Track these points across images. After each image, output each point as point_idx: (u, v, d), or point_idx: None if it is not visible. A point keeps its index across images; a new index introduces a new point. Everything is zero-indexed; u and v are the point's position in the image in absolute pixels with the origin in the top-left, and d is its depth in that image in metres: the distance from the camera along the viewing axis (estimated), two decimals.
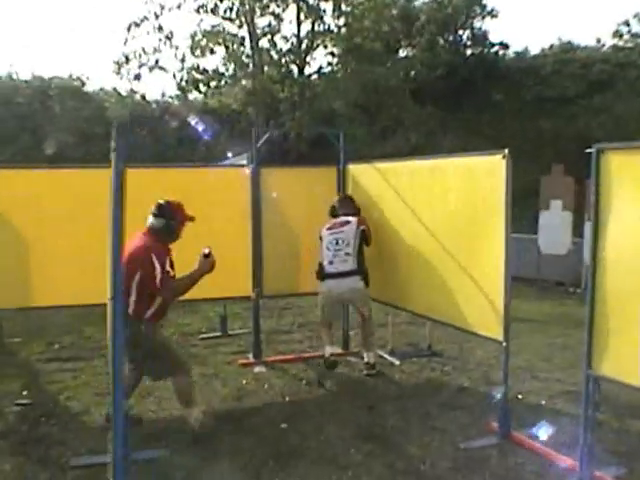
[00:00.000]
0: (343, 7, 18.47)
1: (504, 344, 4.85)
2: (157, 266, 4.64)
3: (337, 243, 6.41)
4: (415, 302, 6.12)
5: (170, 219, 4.86)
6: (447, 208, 5.50)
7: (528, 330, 8.10)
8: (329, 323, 6.74)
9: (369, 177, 6.74)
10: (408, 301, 6.25)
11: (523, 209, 15.56)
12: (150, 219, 4.88)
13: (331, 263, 6.42)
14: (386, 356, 7.10)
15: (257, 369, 6.77)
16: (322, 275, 6.48)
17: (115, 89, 19.38)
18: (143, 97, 19.89)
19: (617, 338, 3.95)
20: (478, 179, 5.07)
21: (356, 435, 5.02)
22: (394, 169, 6.39)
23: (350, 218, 6.50)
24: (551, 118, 19.31)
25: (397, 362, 6.91)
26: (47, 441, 4.94)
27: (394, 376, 6.53)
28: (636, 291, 3.77)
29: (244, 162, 7.53)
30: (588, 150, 4.08)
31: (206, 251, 4.91)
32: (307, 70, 19.30)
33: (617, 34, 22.63)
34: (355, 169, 7.01)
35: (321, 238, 6.55)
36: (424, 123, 18.56)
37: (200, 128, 15.39)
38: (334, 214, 6.65)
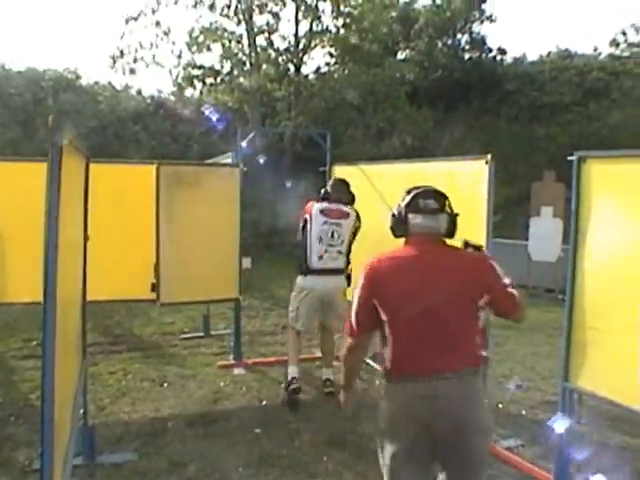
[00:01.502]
0: (342, 8, 18.37)
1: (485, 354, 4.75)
2: None
3: (332, 236, 5.75)
4: None
5: None
6: None
7: (514, 337, 8.01)
8: (298, 331, 6.06)
9: (354, 179, 6.64)
10: None
11: (516, 215, 15.55)
12: None
13: (320, 258, 5.74)
14: (369, 361, 6.99)
15: (236, 371, 6.66)
16: (306, 270, 5.81)
17: (110, 83, 19.28)
18: (139, 92, 19.81)
19: (594, 350, 3.87)
20: (461, 184, 4.98)
21: (330, 442, 4.93)
22: (378, 171, 6.32)
23: (348, 210, 5.86)
24: (546, 125, 19.25)
25: (379, 367, 6.79)
26: (13, 442, 4.83)
27: (374, 381, 6.43)
28: (614, 302, 3.70)
29: (229, 160, 7.42)
30: (570, 158, 4.00)
31: None
32: (304, 70, 19.23)
33: (614, 43, 22.59)
34: (340, 170, 6.92)
35: (306, 221, 5.86)
36: (419, 125, 18.47)
37: (214, 118, 15.29)
38: (326, 198, 5.94)
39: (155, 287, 6.19)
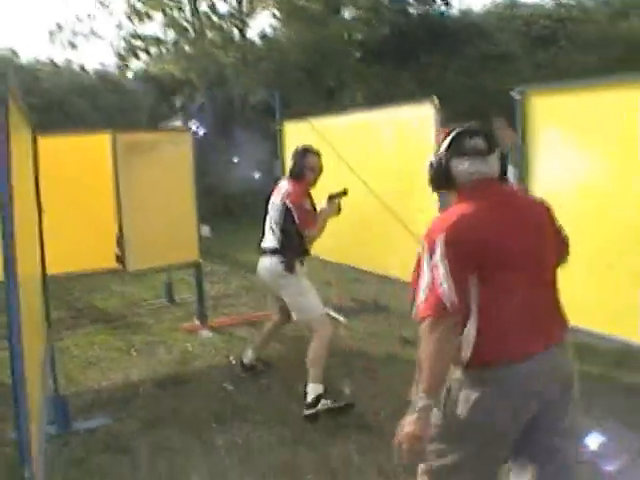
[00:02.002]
0: None
1: None
2: None
3: (268, 214, 5.14)
4: (355, 257, 6.11)
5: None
6: (381, 161, 5.48)
7: None
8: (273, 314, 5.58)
9: (305, 134, 6.67)
10: (348, 256, 6.23)
11: None
12: None
13: (264, 237, 5.17)
14: (332, 313, 7.09)
15: (203, 333, 6.71)
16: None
17: (51, 60, 18.83)
18: (82, 67, 19.39)
19: None
20: (408, 129, 5.04)
21: (298, 392, 4.96)
22: (328, 124, 6.34)
23: (283, 184, 5.13)
24: (495, 75, 19.39)
25: (343, 319, 6.91)
26: None
27: (340, 333, 6.52)
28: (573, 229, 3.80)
29: (178, 123, 7.38)
30: (512, 93, 4.08)
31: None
32: (250, 34, 19.04)
33: None
34: (291, 127, 6.93)
35: None
36: (369, 83, 18.48)
37: (200, 132, 15.22)
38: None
39: (120, 258, 6.17)
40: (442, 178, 2.53)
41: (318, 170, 5.11)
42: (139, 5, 17.40)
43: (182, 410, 4.80)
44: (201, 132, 14.35)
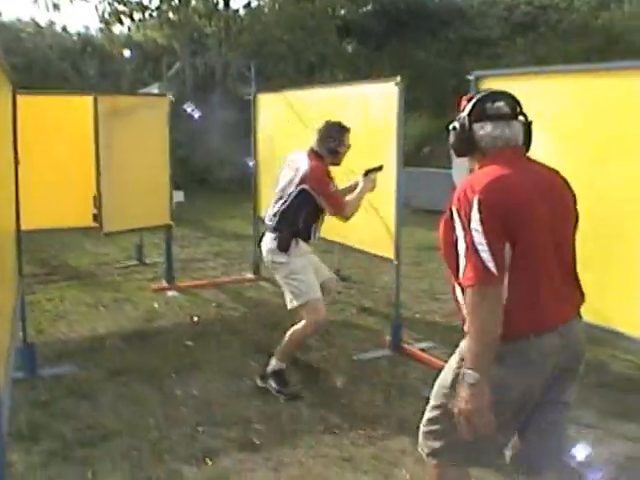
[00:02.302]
0: None
1: (395, 262, 5.16)
2: None
3: (277, 193, 4.70)
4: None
5: None
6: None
7: (435, 258, 8.47)
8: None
9: (277, 105, 6.90)
10: None
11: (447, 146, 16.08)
12: None
13: (267, 214, 4.80)
14: None
15: (170, 293, 6.97)
16: None
17: (33, 19, 18.79)
18: (64, 29, 19.37)
19: None
20: (373, 106, 5.28)
21: (256, 350, 5.29)
22: (299, 97, 6.55)
23: (303, 163, 4.55)
24: (475, 58, 19.60)
25: None
26: None
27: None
28: None
29: (156, 90, 7.58)
30: (468, 77, 4.33)
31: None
32: (234, 4, 19.09)
33: None
34: (264, 98, 7.15)
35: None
36: (349, 60, 18.65)
37: (195, 115, 15.25)
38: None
39: (97, 217, 6.31)
40: (464, 143, 2.48)
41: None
42: None
43: (144, 362, 5.07)
44: (196, 115, 14.48)
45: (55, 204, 6.06)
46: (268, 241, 4.65)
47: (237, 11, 19.11)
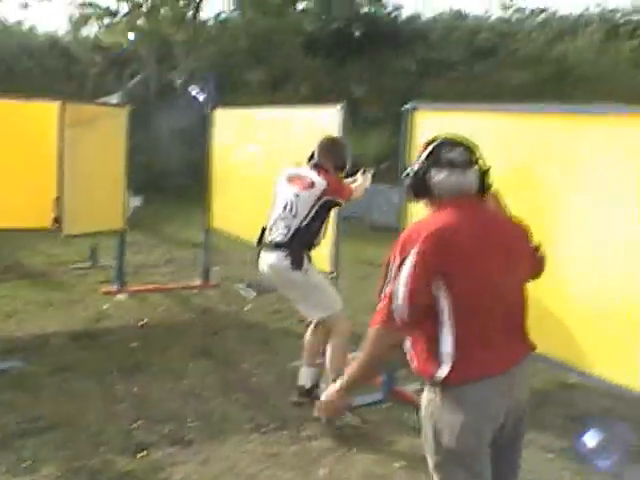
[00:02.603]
0: None
1: (333, 275, 5.46)
2: None
3: (285, 208, 4.63)
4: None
5: None
6: (291, 153, 5.99)
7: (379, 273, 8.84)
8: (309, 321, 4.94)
9: (233, 121, 7.22)
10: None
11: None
12: None
13: (270, 230, 4.68)
14: (243, 289, 7.67)
15: (119, 296, 7.21)
16: (259, 243, 4.80)
17: (1, 18, 18.89)
18: (32, 28, 19.46)
19: None
20: (317, 128, 5.61)
21: (198, 354, 5.58)
22: (250, 116, 6.89)
23: (318, 179, 4.60)
24: (434, 80, 20.18)
25: (252, 295, 7.48)
26: None
27: (246, 307, 7.12)
28: None
29: (114, 101, 7.84)
30: (404, 107, 4.69)
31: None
32: (204, 15, 19.39)
33: (503, 6, 23.73)
34: (221, 113, 7.47)
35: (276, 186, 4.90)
36: (313, 75, 19.05)
37: (200, 97, 15.30)
38: (310, 161, 4.80)
39: (57, 220, 6.44)
40: (420, 187, 2.53)
41: None
42: None
43: (88, 360, 5.33)
44: (201, 97, 14.64)
45: (14, 205, 6.22)
46: (277, 259, 4.55)
47: (206, 22, 19.45)
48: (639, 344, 3.20)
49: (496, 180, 3.98)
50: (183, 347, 5.77)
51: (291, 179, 4.75)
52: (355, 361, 2.51)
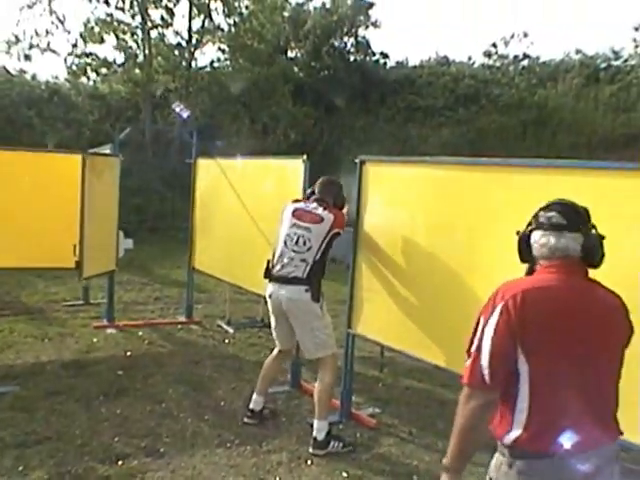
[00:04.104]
0: (232, 7, 19.53)
1: None
2: None
3: (297, 242, 5.01)
4: (237, 277, 7.30)
5: None
6: (263, 199, 6.69)
7: None
8: (282, 350, 5.43)
9: (212, 170, 7.94)
10: (233, 276, 7.43)
11: None
12: None
13: (281, 264, 5.04)
14: (223, 325, 8.33)
15: (109, 331, 7.84)
16: (267, 275, 5.18)
17: (4, 67, 19.75)
18: (33, 77, 20.35)
19: (368, 305, 5.32)
20: (285, 177, 6.31)
21: (177, 381, 6.20)
22: (229, 165, 7.60)
23: (324, 213, 5.07)
24: (419, 126, 21.06)
25: (231, 330, 8.12)
26: None
27: (224, 340, 7.75)
28: (383, 268, 5.12)
29: (107, 151, 8.56)
30: (355, 160, 5.38)
31: None
32: (197, 64, 20.28)
33: (487, 54, 24.73)
34: (203, 163, 8.21)
35: (280, 222, 5.25)
36: (301, 123, 19.88)
37: (184, 114, 16.07)
38: (308, 198, 5.32)
39: (78, 264, 6.95)
40: (522, 248, 2.52)
41: None
42: (95, 28, 18.45)
43: (78, 386, 5.94)
44: (185, 114, 15.37)
45: (40, 247, 6.93)
46: (298, 293, 4.95)
47: (200, 69, 20.35)
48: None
49: (429, 221, 4.71)
50: (164, 375, 6.39)
51: (298, 215, 5.12)
52: (452, 434, 2.41)
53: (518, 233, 2.54)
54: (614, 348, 2.40)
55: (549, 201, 2.48)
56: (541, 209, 2.47)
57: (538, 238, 2.43)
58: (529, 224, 2.50)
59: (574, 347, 2.28)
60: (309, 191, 5.38)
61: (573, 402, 2.27)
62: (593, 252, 2.40)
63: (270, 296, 5.12)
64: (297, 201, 5.33)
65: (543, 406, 2.26)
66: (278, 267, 5.05)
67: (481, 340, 2.31)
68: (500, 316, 2.27)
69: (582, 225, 2.41)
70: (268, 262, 5.18)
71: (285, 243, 5.07)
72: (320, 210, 5.09)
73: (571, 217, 2.40)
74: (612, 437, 2.38)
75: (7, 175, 6.75)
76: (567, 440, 2.24)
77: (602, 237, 2.41)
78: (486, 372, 2.27)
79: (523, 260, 2.54)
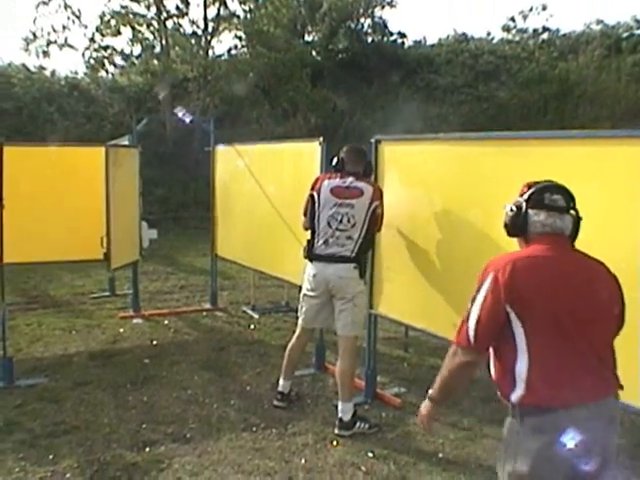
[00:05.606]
0: None
1: None
2: None
3: (341, 221, 4.92)
4: (259, 262, 7.33)
5: None
6: (282, 182, 6.70)
7: None
8: (304, 329, 5.40)
9: (231, 157, 7.95)
10: (255, 261, 7.46)
11: None
12: None
13: (326, 243, 4.96)
14: (248, 311, 8.36)
15: (135, 321, 7.92)
16: (310, 255, 5.09)
17: (24, 65, 19.91)
18: (52, 73, 20.48)
19: (390, 285, 5.30)
20: (302, 160, 6.29)
21: (202, 367, 6.26)
22: (246, 151, 7.62)
23: (363, 185, 4.96)
24: (440, 105, 20.87)
25: (256, 316, 8.16)
26: None
27: (249, 326, 7.79)
28: (403, 246, 5.09)
29: (126, 142, 8.61)
30: (371, 140, 5.36)
31: None
32: (214, 52, 20.28)
33: (505, 28, 24.41)
34: (221, 150, 8.22)
35: (314, 200, 5.08)
36: (321, 106, 19.80)
37: (187, 119, 16.15)
38: (338, 170, 5.08)
39: (106, 255, 7.02)
40: (517, 225, 2.65)
41: None
42: (112, 21, 18.49)
43: (105, 376, 6.02)
44: (187, 119, 15.45)
45: (68, 240, 7.07)
46: (346, 271, 4.93)
47: (218, 57, 20.33)
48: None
49: (447, 197, 4.67)
50: (190, 362, 6.44)
51: (337, 192, 4.99)
52: (437, 380, 2.69)
53: (510, 209, 2.70)
54: (606, 308, 2.57)
55: (544, 182, 2.66)
56: (542, 190, 2.62)
57: (543, 218, 2.60)
58: (527, 201, 2.64)
59: (567, 307, 2.45)
60: (335, 160, 5.12)
61: (569, 358, 2.44)
62: (577, 231, 2.65)
63: (315, 275, 5.04)
64: (329, 177, 5.11)
65: (541, 363, 2.43)
66: (322, 247, 4.98)
67: (472, 306, 2.54)
68: (490, 284, 2.48)
69: (573, 207, 2.65)
70: (308, 242, 5.11)
71: (329, 224, 4.95)
72: (358, 183, 4.97)
73: (569, 200, 2.63)
74: (611, 389, 2.53)
75: (33, 171, 6.83)
76: (567, 395, 2.42)
77: (580, 219, 2.65)
78: (471, 334, 2.51)
79: (511, 234, 2.73)
